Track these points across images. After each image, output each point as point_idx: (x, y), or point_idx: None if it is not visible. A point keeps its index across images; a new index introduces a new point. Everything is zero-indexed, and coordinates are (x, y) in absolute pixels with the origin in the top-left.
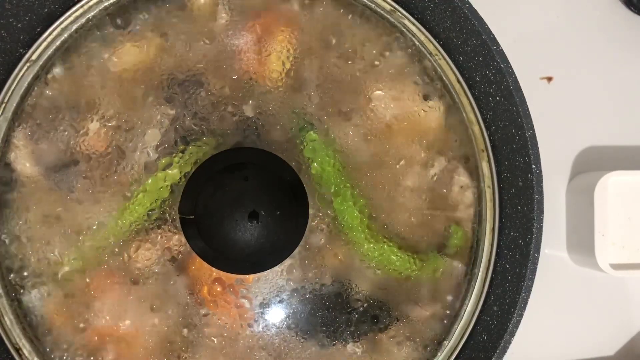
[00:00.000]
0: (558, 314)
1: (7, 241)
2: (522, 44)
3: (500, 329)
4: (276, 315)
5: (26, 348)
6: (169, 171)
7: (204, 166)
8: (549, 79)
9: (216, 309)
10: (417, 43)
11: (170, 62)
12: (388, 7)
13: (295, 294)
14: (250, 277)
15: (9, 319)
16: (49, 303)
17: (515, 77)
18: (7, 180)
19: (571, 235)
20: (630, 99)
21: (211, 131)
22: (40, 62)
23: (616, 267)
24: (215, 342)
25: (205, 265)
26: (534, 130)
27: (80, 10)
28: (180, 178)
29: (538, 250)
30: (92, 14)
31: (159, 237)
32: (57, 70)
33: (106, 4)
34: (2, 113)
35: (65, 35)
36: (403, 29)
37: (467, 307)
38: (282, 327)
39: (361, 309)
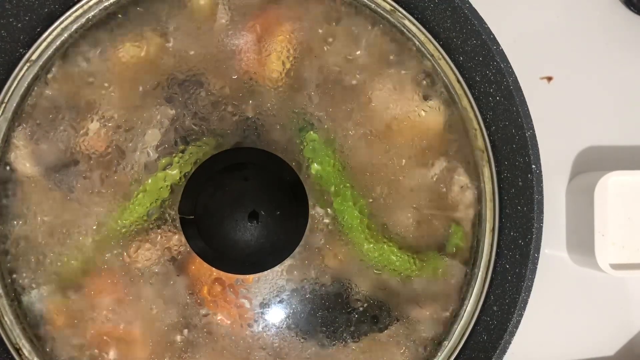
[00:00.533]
0: (558, 314)
1: (7, 241)
2: (522, 44)
3: (500, 329)
4: (276, 315)
5: (26, 348)
6: (169, 171)
7: (204, 166)
8: (549, 79)
9: (216, 309)
10: (417, 43)
11: (170, 62)
12: (388, 7)
13: (295, 294)
14: (250, 277)
15: (9, 319)
16: (49, 303)
17: (515, 77)
18: (7, 180)
19: (571, 235)
20: (630, 99)
21: (211, 131)
22: (40, 62)
23: (616, 267)
24: (215, 342)
25: (205, 265)
26: (534, 130)
27: (80, 10)
28: (180, 178)
29: (538, 250)
30: (92, 14)
31: (159, 237)
32: (57, 70)
33: (106, 4)
34: (2, 113)
35: (65, 35)
36: (403, 29)
37: (467, 307)
38: (282, 327)
39: (361, 309)
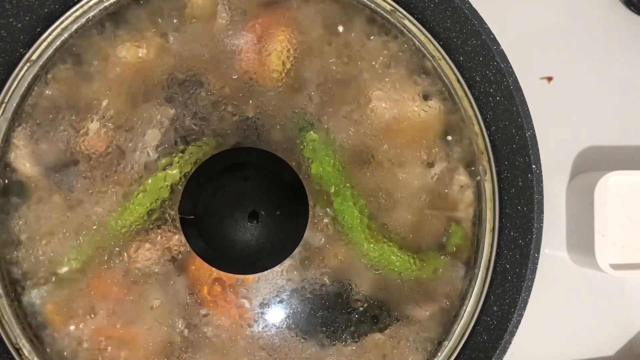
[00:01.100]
0: (558, 314)
1: (7, 241)
2: (522, 44)
3: (500, 329)
4: (276, 315)
5: (26, 348)
6: (169, 171)
7: (204, 166)
8: (549, 79)
9: (216, 309)
10: (417, 43)
11: (170, 62)
12: (388, 7)
13: (295, 294)
14: (250, 277)
15: (9, 319)
16: (49, 303)
17: (515, 77)
18: (7, 180)
19: (571, 235)
20: (630, 99)
21: (211, 131)
22: (40, 62)
23: (616, 267)
24: (215, 342)
25: (205, 265)
26: (534, 130)
27: (80, 10)
28: (180, 178)
29: (538, 250)
30: (92, 14)
31: (159, 237)
32: (57, 70)
33: (106, 4)
34: (2, 113)
35: (65, 35)
36: (403, 29)
37: (467, 307)
38: (282, 327)
39: (361, 309)
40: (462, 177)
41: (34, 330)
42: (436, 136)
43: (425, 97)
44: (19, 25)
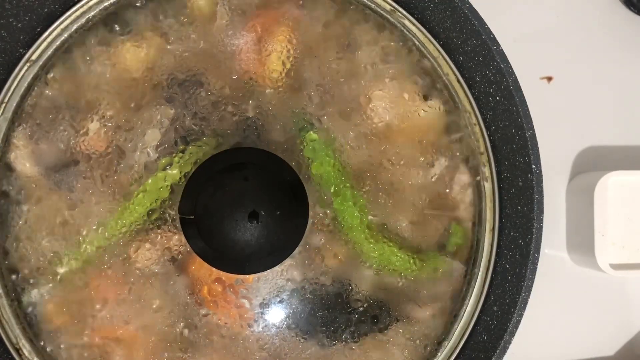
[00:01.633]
0: (558, 314)
1: (7, 241)
2: (522, 44)
3: (500, 329)
4: (276, 315)
5: (26, 348)
6: (169, 171)
7: (204, 166)
8: (549, 79)
9: (216, 309)
10: (417, 43)
11: (170, 62)
12: (388, 7)
13: (295, 294)
14: (250, 277)
15: (9, 319)
16: (49, 303)
17: (515, 77)
18: (7, 180)
19: (571, 235)
20: (630, 99)
21: (211, 131)
22: (40, 62)
23: (616, 267)
24: (215, 342)
25: (205, 265)
26: (534, 130)
27: (80, 10)
28: (180, 178)
29: (538, 250)
30: (92, 14)
31: (159, 237)
32: (57, 70)
33: (106, 4)
34: (2, 113)
35: (65, 35)
36: (403, 29)
37: (467, 307)
38: (282, 327)
39: (361, 309)
40: (462, 177)
41: (34, 330)
42: (436, 136)
43: (425, 97)
44: (19, 25)
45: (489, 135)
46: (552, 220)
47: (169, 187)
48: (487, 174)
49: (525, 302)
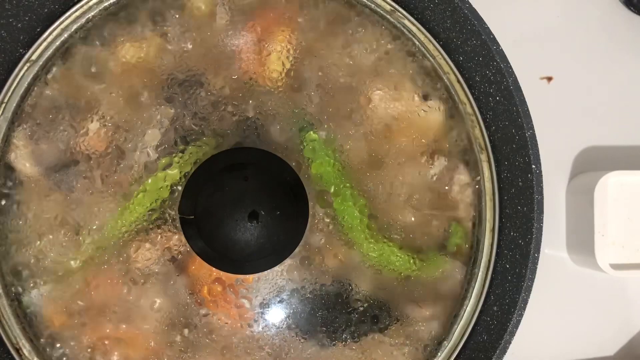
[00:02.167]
0: (558, 314)
1: (7, 241)
2: (522, 44)
3: (500, 329)
4: (276, 315)
5: (26, 348)
6: (169, 171)
7: (204, 166)
8: (549, 79)
9: (216, 309)
10: (417, 43)
11: (170, 62)
12: (388, 7)
13: (295, 294)
14: (250, 277)
15: (9, 319)
16: (49, 303)
17: (515, 77)
18: (7, 180)
19: (571, 235)
20: (630, 99)
21: (211, 131)
22: (40, 62)
23: (616, 267)
24: (215, 342)
25: (205, 265)
26: (534, 130)
27: (80, 10)
28: (180, 178)
29: (538, 250)
30: (92, 14)
31: (159, 237)
32: (57, 70)
33: (106, 4)
34: (2, 113)
35: (65, 35)
36: (403, 29)
37: (467, 307)
38: (282, 327)
39: (361, 309)
40: (462, 177)
41: (34, 330)
42: (436, 136)
43: (425, 97)
44: (19, 25)
45: (489, 135)
46: (552, 220)
47: (169, 187)
48: (487, 174)
49: (525, 302)
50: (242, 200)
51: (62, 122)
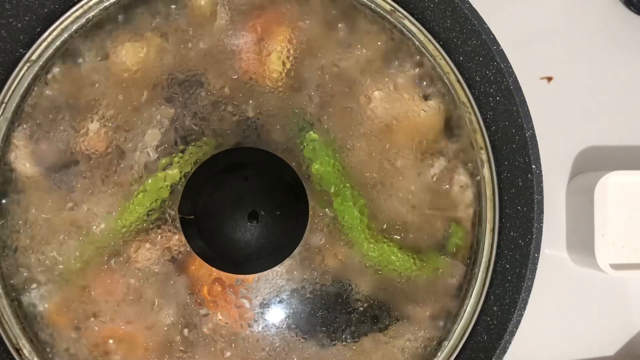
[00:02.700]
0: (558, 314)
1: (7, 241)
2: (522, 44)
3: (500, 329)
4: (276, 315)
5: (26, 348)
6: (169, 171)
7: (204, 166)
8: (549, 79)
9: (216, 309)
10: (417, 43)
11: (170, 62)
12: (388, 7)
13: (295, 294)
14: (250, 277)
15: (9, 319)
16: (49, 303)
17: (515, 77)
18: (7, 180)
19: (571, 235)
20: (630, 99)
21: (211, 131)
22: (40, 62)
23: (616, 267)
24: (215, 342)
25: (205, 265)
26: (534, 130)
27: (80, 10)
28: (180, 178)
29: (538, 250)
30: (92, 14)
31: (159, 237)
32: (57, 70)
33: (106, 4)
34: (2, 113)
35: (65, 35)
36: (403, 29)
37: (467, 307)
38: (282, 327)
39: (361, 309)
40: (462, 177)
41: (34, 330)
42: (436, 136)
43: (425, 97)
44: (19, 25)
45: (489, 135)
46: (552, 220)
47: (169, 187)
48: (487, 174)
49: (525, 302)
50: (242, 200)
51: (62, 122)
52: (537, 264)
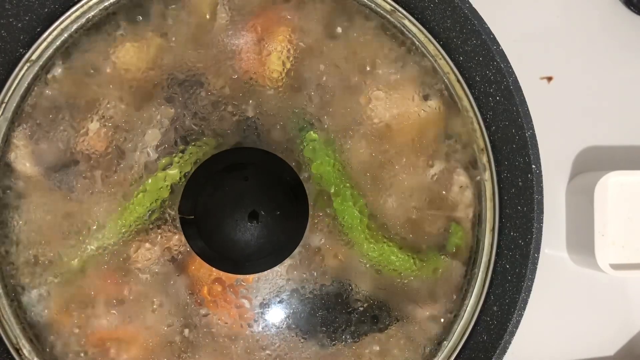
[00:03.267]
0: (558, 314)
1: (7, 241)
2: (522, 44)
3: (500, 329)
4: (276, 315)
5: (26, 348)
6: (169, 171)
7: (204, 166)
8: (549, 79)
9: (216, 309)
10: (417, 43)
11: (170, 62)
12: (388, 7)
13: (295, 294)
14: (250, 277)
15: (9, 319)
16: (49, 303)
17: (515, 77)
18: (7, 180)
19: (571, 235)
20: (630, 99)
21: (211, 131)
22: (40, 62)
23: (616, 267)
24: (215, 342)
25: (205, 265)
26: (534, 130)
27: (80, 10)
28: (180, 178)
29: (538, 250)
30: (92, 14)
31: (159, 237)
32: (57, 70)
33: (106, 3)
34: (2, 113)
35: (65, 35)
36: (403, 29)
37: (467, 307)
38: (282, 327)
39: (361, 309)
40: (461, 177)
41: (34, 330)
42: (436, 136)
43: (425, 97)
44: (19, 25)
45: (489, 135)
46: (552, 220)
47: (169, 187)
48: (487, 174)
49: (525, 302)
50: (242, 200)
51: (62, 122)
52: (537, 264)
